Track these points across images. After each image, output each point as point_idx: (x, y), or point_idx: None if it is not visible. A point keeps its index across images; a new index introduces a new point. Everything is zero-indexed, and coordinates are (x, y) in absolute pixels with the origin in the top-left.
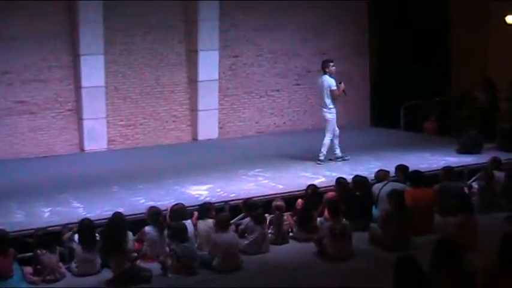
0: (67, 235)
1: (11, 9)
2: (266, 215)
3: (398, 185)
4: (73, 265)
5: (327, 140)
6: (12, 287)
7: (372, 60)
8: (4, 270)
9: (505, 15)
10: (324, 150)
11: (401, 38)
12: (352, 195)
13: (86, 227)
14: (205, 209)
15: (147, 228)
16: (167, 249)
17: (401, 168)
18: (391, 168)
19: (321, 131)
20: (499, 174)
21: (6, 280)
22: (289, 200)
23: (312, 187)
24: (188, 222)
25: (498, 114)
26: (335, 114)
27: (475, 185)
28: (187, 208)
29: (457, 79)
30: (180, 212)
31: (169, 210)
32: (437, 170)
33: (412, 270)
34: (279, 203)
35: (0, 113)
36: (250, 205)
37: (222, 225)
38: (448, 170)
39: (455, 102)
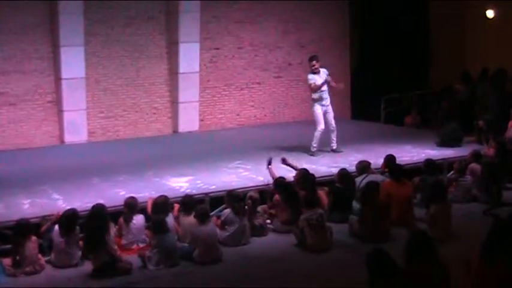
0: (46, 226)
1: None
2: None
3: (377, 178)
4: (52, 256)
5: (315, 133)
6: None
7: (352, 53)
8: None
9: (484, 10)
10: (313, 143)
11: (382, 31)
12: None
13: (67, 217)
14: (188, 203)
15: None
16: (145, 237)
17: (388, 159)
18: (371, 161)
19: (302, 123)
20: (476, 167)
21: None
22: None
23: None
24: (169, 215)
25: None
26: (321, 108)
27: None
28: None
29: (436, 73)
30: (163, 204)
31: (151, 202)
32: (418, 162)
33: (384, 262)
34: (253, 194)
35: None
36: (233, 197)
37: (201, 218)
38: (429, 163)
39: (435, 95)
